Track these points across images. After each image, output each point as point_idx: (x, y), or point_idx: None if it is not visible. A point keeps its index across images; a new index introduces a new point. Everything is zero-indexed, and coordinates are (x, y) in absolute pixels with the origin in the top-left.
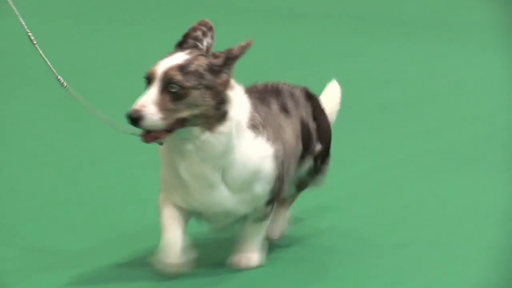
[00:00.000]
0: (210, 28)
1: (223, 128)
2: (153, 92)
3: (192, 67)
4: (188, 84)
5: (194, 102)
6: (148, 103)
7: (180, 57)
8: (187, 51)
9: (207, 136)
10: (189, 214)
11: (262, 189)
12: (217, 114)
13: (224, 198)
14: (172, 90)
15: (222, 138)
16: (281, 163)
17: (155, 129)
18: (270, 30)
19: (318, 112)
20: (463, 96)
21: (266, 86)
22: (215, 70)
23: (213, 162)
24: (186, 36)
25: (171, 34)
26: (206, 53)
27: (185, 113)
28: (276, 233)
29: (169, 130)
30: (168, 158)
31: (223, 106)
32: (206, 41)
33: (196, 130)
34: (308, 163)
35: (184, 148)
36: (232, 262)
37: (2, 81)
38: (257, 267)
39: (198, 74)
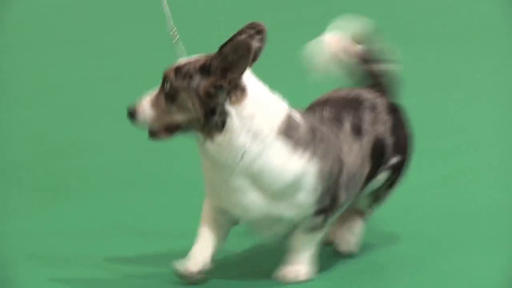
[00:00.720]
0: (260, 31)
1: (223, 138)
2: (154, 91)
3: (185, 68)
4: (176, 84)
5: (183, 104)
6: (146, 101)
7: (188, 59)
8: (206, 54)
9: (208, 145)
10: (231, 221)
11: (304, 198)
12: (209, 123)
13: (257, 203)
14: (166, 90)
15: (223, 149)
16: (331, 180)
17: (149, 127)
18: None
19: (399, 125)
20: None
21: (348, 94)
22: (205, 75)
23: (228, 169)
24: (229, 39)
25: None
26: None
27: (177, 117)
28: (352, 245)
29: (168, 131)
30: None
31: (214, 116)
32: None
33: (198, 137)
34: (383, 175)
35: (201, 151)
36: (279, 274)
37: None
38: (306, 281)
39: (188, 75)
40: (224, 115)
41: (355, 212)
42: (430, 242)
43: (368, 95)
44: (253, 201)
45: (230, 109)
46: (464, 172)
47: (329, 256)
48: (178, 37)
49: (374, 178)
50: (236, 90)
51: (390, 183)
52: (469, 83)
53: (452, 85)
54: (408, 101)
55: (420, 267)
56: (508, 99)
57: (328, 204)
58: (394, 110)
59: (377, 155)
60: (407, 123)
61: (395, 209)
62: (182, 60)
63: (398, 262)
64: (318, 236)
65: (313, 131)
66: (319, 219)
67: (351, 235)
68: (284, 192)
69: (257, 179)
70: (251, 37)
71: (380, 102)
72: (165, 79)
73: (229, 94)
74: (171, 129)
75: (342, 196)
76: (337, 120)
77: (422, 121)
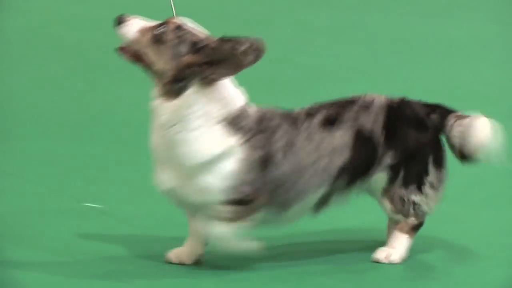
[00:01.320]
0: (259, 50)
1: (173, 103)
2: (151, 23)
3: (184, 32)
4: (168, 36)
5: (161, 55)
6: (139, 22)
7: (193, 27)
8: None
9: (159, 102)
10: None
11: (214, 183)
12: (171, 86)
13: (169, 178)
14: (158, 32)
15: (169, 110)
16: (255, 172)
17: (127, 44)
18: None
19: (392, 123)
20: None
21: (355, 96)
22: (196, 50)
23: (162, 131)
24: (233, 42)
25: None
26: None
27: (150, 57)
28: (393, 257)
29: (135, 58)
30: None
31: (179, 83)
32: None
33: (156, 86)
34: (380, 173)
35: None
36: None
37: None
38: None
39: (182, 39)
40: (187, 87)
41: (396, 224)
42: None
43: (371, 97)
44: (166, 175)
45: (196, 86)
46: None
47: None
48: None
49: (367, 173)
50: (209, 77)
51: (399, 182)
52: None
53: None
54: None
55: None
56: None
57: (240, 198)
58: (393, 108)
59: (364, 147)
60: (412, 125)
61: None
62: (188, 23)
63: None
64: (238, 228)
65: (260, 122)
66: (233, 209)
67: (390, 247)
68: (193, 172)
69: (175, 152)
70: (250, 49)
71: (378, 101)
72: (164, 24)
73: (202, 77)
74: (139, 59)
75: (261, 194)
76: (308, 114)
77: None
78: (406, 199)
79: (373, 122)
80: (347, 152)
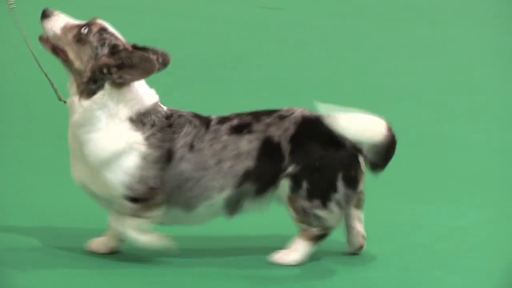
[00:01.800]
0: (165, 64)
1: (86, 103)
2: (76, 22)
3: (106, 35)
4: (91, 38)
5: (82, 54)
6: (64, 19)
7: (114, 32)
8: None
9: (73, 100)
10: None
11: (114, 178)
12: (87, 86)
13: (80, 172)
14: (81, 32)
15: (81, 109)
16: (152, 170)
17: (46, 35)
18: None
19: (301, 136)
20: None
21: (282, 109)
22: (113, 53)
23: (74, 129)
24: (144, 51)
25: None
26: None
27: (71, 54)
28: (290, 259)
29: (54, 51)
30: None
31: (94, 84)
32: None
33: (71, 84)
34: (285, 182)
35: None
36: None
37: None
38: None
39: (103, 42)
40: (100, 88)
41: (301, 230)
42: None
43: (292, 110)
44: (77, 169)
45: (108, 87)
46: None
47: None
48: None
49: (274, 182)
50: (119, 80)
51: (298, 192)
52: None
53: None
54: None
55: None
56: None
57: (142, 194)
58: (303, 122)
59: (270, 156)
60: (316, 139)
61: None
62: (110, 27)
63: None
64: (140, 224)
65: (166, 120)
66: (133, 206)
67: (288, 250)
68: (96, 168)
69: (82, 149)
70: (157, 60)
71: (297, 115)
72: (89, 24)
73: (112, 79)
74: (58, 53)
75: (162, 191)
76: (222, 119)
77: None
78: (309, 211)
79: (281, 134)
80: (251, 159)
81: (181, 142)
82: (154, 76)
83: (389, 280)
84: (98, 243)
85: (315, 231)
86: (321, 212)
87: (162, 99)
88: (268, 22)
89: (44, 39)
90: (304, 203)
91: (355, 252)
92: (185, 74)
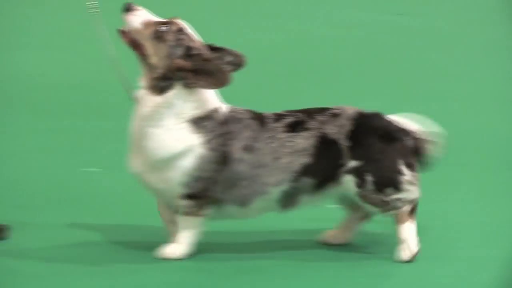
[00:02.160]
0: (240, 65)
1: (156, 99)
2: (156, 18)
3: (183, 36)
4: (168, 37)
5: (158, 51)
6: (145, 15)
7: (192, 33)
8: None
9: (144, 92)
10: None
11: (171, 176)
12: (158, 82)
13: (137, 163)
14: (160, 29)
15: (151, 105)
16: (208, 171)
17: (130, 30)
18: None
19: (359, 132)
20: None
21: (324, 108)
22: (188, 55)
23: (139, 121)
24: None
25: None
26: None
27: (148, 49)
28: (410, 249)
29: (133, 44)
30: None
31: (165, 82)
32: None
33: (143, 81)
34: (349, 178)
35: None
36: (160, 251)
37: None
38: (179, 259)
39: (180, 43)
40: (171, 86)
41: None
42: None
43: (346, 107)
44: (135, 160)
45: (179, 88)
46: None
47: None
48: (97, 9)
49: (333, 178)
50: (191, 84)
51: (364, 187)
52: None
53: None
54: None
55: None
56: None
57: (197, 193)
58: (358, 118)
59: (327, 153)
60: (375, 135)
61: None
62: (188, 28)
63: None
64: (193, 221)
65: (224, 123)
66: (185, 203)
67: (404, 242)
68: (155, 165)
69: (143, 143)
70: (231, 62)
71: (351, 112)
72: (168, 23)
73: (185, 81)
74: (136, 47)
75: (216, 191)
76: (278, 117)
77: None
78: (387, 200)
79: (338, 131)
80: (308, 155)
81: (238, 145)
82: (291, 79)
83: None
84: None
85: (406, 210)
86: (398, 195)
87: (297, 101)
88: (401, 28)
89: (122, 33)
90: (378, 195)
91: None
92: (318, 77)
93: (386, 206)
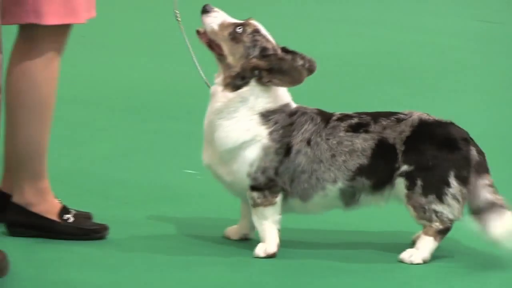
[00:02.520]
0: (312, 71)
1: (231, 95)
2: (232, 20)
3: (259, 37)
4: (245, 38)
5: (235, 51)
6: (223, 16)
7: (266, 33)
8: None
9: (218, 89)
10: None
11: (239, 166)
12: (233, 80)
13: (209, 155)
14: (236, 31)
15: (224, 99)
16: (272, 162)
17: (207, 31)
18: None
19: (415, 138)
20: None
21: (404, 111)
22: (263, 55)
23: (212, 115)
24: (294, 58)
25: None
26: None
27: (224, 48)
28: (414, 258)
29: (209, 44)
30: None
31: (241, 80)
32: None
33: (218, 79)
34: (401, 181)
35: (211, 92)
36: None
37: None
38: (267, 257)
39: (254, 43)
40: (245, 84)
41: (424, 226)
42: None
43: (413, 113)
44: (208, 152)
45: (254, 84)
46: None
47: None
48: (179, 19)
49: (389, 180)
50: (266, 82)
51: (414, 191)
52: None
53: None
54: None
55: None
56: None
57: (263, 183)
58: (418, 125)
59: (384, 156)
60: (436, 141)
61: None
62: (263, 29)
63: None
64: (263, 214)
65: (289, 117)
66: (254, 195)
67: (414, 247)
68: (223, 156)
69: (214, 135)
70: (304, 66)
71: (414, 118)
72: (244, 24)
73: (261, 78)
74: (213, 48)
75: (280, 181)
76: (342, 117)
77: None
78: (426, 207)
79: (397, 136)
80: (365, 156)
81: (300, 137)
82: (387, 85)
83: None
84: (232, 230)
85: (437, 226)
86: (438, 207)
87: (393, 107)
88: (487, 35)
89: (200, 34)
90: (420, 199)
91: None
92: (415, 83)
93: (423, 213)
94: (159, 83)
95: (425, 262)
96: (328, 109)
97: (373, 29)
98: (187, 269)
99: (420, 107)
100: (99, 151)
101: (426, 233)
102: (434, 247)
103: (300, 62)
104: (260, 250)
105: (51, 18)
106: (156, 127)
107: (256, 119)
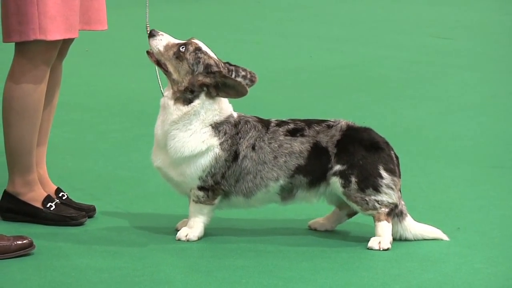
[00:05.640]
0: (253, 81)
1: (184, 108)
2: (177, 41)
3: (201, 54)
4: (188, 56)
5: (180, 69)
6: (168, 38)
7: (208, 50)
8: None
9: (170, 103)
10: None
11: (191, 172)
12: (183, 94)
13: (160, 159)
14: (180, 50)
15: (179, 113)
16: (221, 169)
17: (154, 52)
18: None
19: (345, 141)
20: None
21: (323, 119)
22: (208, 72)
23: (167, 126)
24: (236, 75)
25: None
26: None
27: (170, 68)
28: (382, 244)
29: (157, 63)
30: None
31: (191, 94)
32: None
33: (168, 92)
34: (336, 179)
35: (162, 104)
36: (178, 234)
37: None
38: (189, 241)
39: (198, 61)
40: (196, 97)
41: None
42: None
43: (340, 120)
44: (158, 156)
45: (204, 98)
46: None
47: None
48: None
49: (324, 178)
50: (214, 95)
51: (348, 187)
52: None
53: None
54: None
55: None
56: None
57: (210, 185)
58: (347, 130)
59: (319, 158)
60: (359, 143)
61: None
62: (204, 47)
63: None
64: (201, 209)
65: (235, 127)
66: (199, 194)
67: (376, 235)
68: (176, 162)
69: (168, 143)
70: (246, 77)
71: (342, 125)
72: (187, 44)
73: (210, 93)
74: (160, 65)
75: (225, 184)
76: (280, 123)
77: None
78: (367, 199)
79: (328, 140)
80: (302, 157)
81: (245, 144)
82: (356, 94)
83: None
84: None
85: (383, 210)
86: (377, 196)
87: (361, 113)
88: (441, 50)
89: (149, 54)
90: (359, 194)
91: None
92: (379, 92)
93: (367, 205)
94: (154, 92)
95: (391, 244)
96: (303, 115)
97: (342, 45)
98: (174, 253)
99: (384, 113)
100: (100, 151)
101: (379, 220)
102: (391, 228)
103: (242, 73)
104: (182, 233)
105: (54, 34)
106: (152, 130)
107: (209, 131)
